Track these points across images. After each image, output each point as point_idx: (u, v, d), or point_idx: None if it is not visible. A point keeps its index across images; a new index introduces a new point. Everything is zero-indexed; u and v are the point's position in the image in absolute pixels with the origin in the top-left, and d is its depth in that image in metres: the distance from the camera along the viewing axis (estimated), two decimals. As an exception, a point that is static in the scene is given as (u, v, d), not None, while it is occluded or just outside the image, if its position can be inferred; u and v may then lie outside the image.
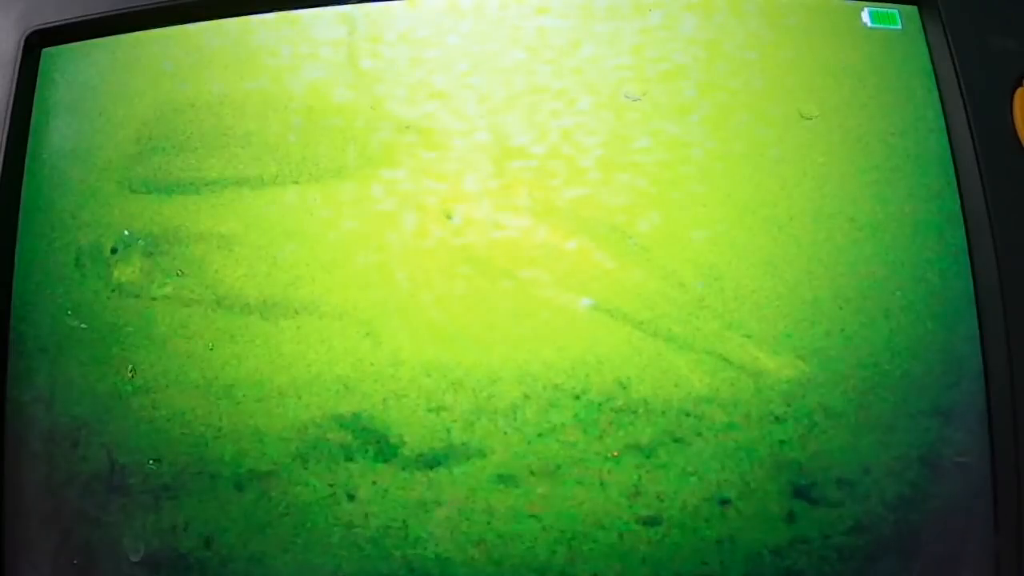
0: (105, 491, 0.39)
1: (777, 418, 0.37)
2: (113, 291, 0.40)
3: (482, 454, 0.37)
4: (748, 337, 0.37)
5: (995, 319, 0.37)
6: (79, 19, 0.42)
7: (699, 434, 0.37)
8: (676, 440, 0.37)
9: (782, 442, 0.37)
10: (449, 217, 0.39)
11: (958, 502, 0.37)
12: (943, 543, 0.37)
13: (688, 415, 0.37)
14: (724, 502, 0.36)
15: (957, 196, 0.39)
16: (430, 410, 0.37)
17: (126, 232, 0.40)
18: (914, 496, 0.37)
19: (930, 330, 0.38)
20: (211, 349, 0.39)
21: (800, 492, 0.36)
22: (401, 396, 0.38)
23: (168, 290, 0.39)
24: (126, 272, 0.40)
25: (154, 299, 0.39)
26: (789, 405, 0.37)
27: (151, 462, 0.38)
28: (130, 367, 0.39)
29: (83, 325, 0.40)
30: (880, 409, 0.37)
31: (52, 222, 0.41)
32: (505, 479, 0.37)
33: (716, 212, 0.39)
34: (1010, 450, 0.36)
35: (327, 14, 0.42)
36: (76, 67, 0.43)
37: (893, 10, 0.41)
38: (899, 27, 0.41)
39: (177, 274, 0.40)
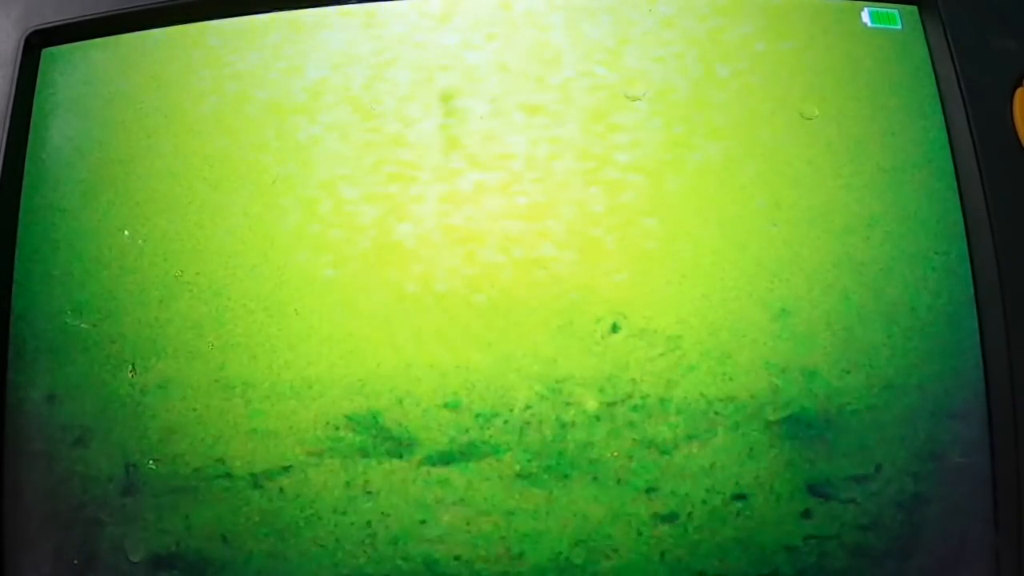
0: (119, 491, 0.38)
1: (790, 416, 0.37)
2: (114, 292, 0.40)
3: (499, 452, 0.37)
4: (755, 337, 0.37)
5: (995, 319, 0.37)
6: (79, 19, 0.42)
7: (714, 432, 0.37)
8: (691, 437, 0.37)
9: (794, 439, 0.37)
10: (463, 218, 0.39)
11: (960, 501, 0.37)
12: (945, 542, 0.37)
13: (703, 413, 0.37)
14: (740, 497, 0.37)
15: (957, 196, 0.39)
16: (446, 408, 0.37)
17: (126, 233, 0.40)
18: (918, 495, 0.37)
19: (930, 330, 0.38)
20: (222, 347, 0.39)
21: (814, 489, 0.37)
22: (416, 395, 0.38)
23: (171, 288, 0.39)
24: (125, 271, 0.40)
25: (160, 300, 0.39)
26: (799, 403, 0.37)
27: (151, 462, 0.38)
28: (131, 366, 0.39)
29: (83, 325, 0.40)
30: (883, 409, 0.37)
31: (52, 222, 0.41)
32: (522, 477, 0.37)
33: (716, 213, 0.39)
34: (1010, 450, 0.36)
35: (319, 13, 0.42)
36: (76, 67, 0.43)
37: (893, 10, 0.41)
38: (899, 27, 0.41)
39: (176, 275, 0.40)
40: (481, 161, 0.40)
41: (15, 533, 0.39)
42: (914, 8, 0.41)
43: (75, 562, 0.39)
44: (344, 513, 0.37)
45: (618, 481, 0.37)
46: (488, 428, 0.37)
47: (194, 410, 0.38)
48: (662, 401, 0.37)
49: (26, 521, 0.39)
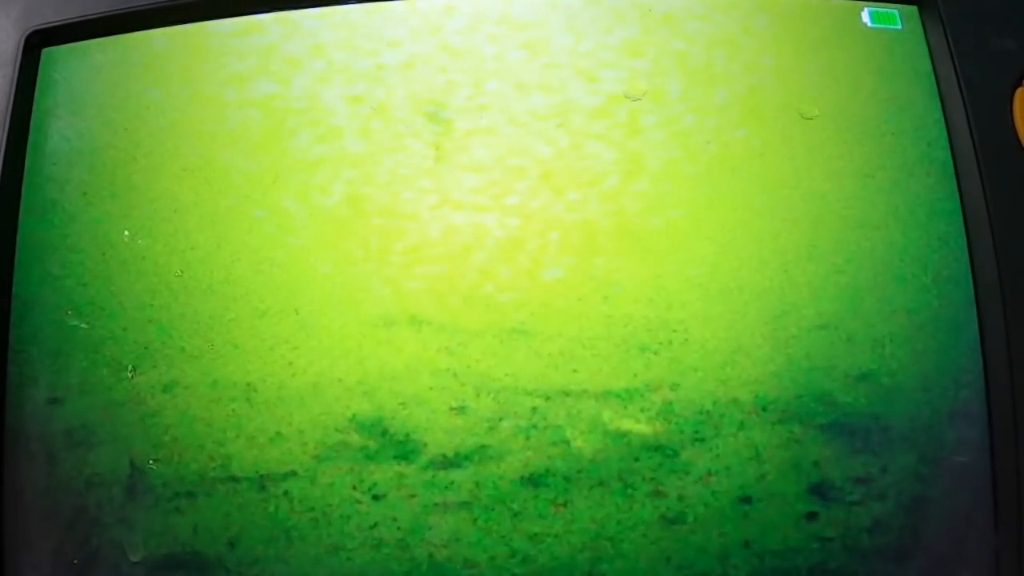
0: (121, 494, 0.38)
1: (793, 418, 0.37)
2: (114, 292, 0.40)
3: (504, 456, 0.37)
4: (758, 339, 0.37)
5: (995, 319, 0.37)
6: (79, 19, 0.42)
7: (719, 435, 0.37)
8: (696, 440, 0.37)
9: (798, 441, 0.37)
10: (468, 220, 0.39)
11: (960, 501, 0.37)
12: (945, 542, 0.37)
13: (708, 415, 0.37)
14: (745, 500, 0.37)
15: (957, 196, 0.39)
16: (451, 412, 0.37)
17: (126, 233, 0.40)
18: (920, 496, 0.37)
19: (930, 330, 0.38)
20: (224, 348, 0.39)
21: (819, 491, 0.37)
22: (421, 399, 0.38)
23: (172, 288, 0.39)
24: (126, 271, 0.40)
25: (160, 301, 0.39)
26: (803, 405, 0.37)
27: (152, 462, 0.38)
28: (131, 366, 0.39)
29: (83, 325, 0.40)
30: (885, 410, 0.37)
31: (52, 222, 0.41)
32: (528, 480, 0.37)
33: (716, 214, 0.39)
34: (1010, 450, 0.36)
35: (319, 13, 0.42)
36: (76, 67, 0.43)
37: (893, 10, 0.41)
38: (899, 27, 0.41)
39: (177, 275, 0.40)
40: (482, 163, 0.40)
41: (15, 533, 0.39)
42: (914, 8, 0.41)
43: (74, 562, 0.39)
44: (350, 517, 0.37)
45: (624, 484, 0.37)
46: (494, 432, 0.37)
47: (196, 412, 0.38)
48: (667, 404, 0.37)
49: (26, 522, 0.39)
